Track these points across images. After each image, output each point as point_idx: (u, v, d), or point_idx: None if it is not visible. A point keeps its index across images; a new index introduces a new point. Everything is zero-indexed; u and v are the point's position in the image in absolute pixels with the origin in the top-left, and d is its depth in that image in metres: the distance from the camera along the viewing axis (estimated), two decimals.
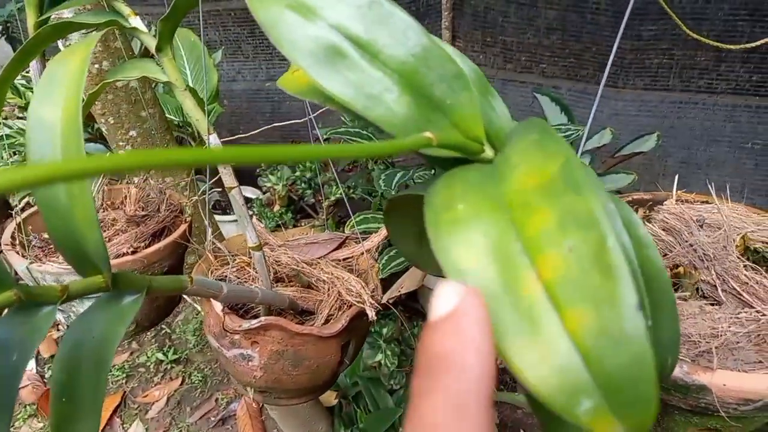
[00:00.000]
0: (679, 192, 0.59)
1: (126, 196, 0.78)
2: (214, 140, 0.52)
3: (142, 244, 0.71)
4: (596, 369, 0.15)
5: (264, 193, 1.73)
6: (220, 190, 1.71)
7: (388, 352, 1.27)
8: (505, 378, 1.56)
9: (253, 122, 2.03)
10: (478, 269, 0.18)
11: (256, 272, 0.66)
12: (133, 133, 0.90)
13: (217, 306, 0.60)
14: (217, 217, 1.67)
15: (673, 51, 1.49)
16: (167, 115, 1.33)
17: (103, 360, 0.36)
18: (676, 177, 0.60)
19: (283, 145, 0.15)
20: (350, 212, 0.93)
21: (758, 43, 0.52)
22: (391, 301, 1.33)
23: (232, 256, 0.68)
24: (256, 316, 0.63)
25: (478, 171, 0.22)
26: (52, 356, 1.57)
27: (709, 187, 0.56)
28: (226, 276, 0.65)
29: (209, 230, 0.66)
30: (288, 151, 0.15)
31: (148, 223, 0.73)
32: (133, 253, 0.69)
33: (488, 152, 0.25)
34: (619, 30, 0.49)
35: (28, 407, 1.45)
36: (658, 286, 0.25)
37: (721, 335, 0.41)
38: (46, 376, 1.54)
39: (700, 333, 0.42)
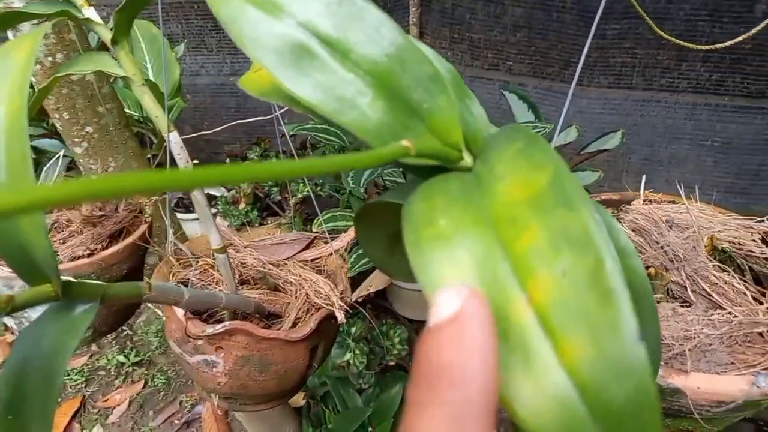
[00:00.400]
0: (646, 192, 0.60)
1: None
2: (174, 138, 0.49)
3: (99, 246, 0.68)
4: (594, 403, 0.14)
5: (229, 190, 1.70)
6: None
7: (357, 352, 1.25)
8: None
9: (218, 117, 1.99)
10: None
11: (220, 275, 0.64)
12: (89, 129, 0.86)
13: (179, 311, 0.57)
14: (180, 216, 1.63)
15: (636, 50, 1.51)
16: (126, 110, 1.29)
17: (53, 374, 0.33)
18: (644, 177, 0.60)
19: (256, 164, 0.14)
20: (318, 210, 0.91)
21: (728, 43, 0.52)
22: (359, 300, 1.31)
23: (195, 257, 0.65)
24: (220, 321, 0.60)
25: (458, 181, 0.21)
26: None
27: (679, 187, 0.56)
28: (188, 279, 0.62)
29: (170, 231, 0.63)
30: (261, 170, 0.13)
31: (105, 223, 0.70)
32: (90, 255, 0.66)
33: (467, 159, 0.23)
34: (591, 28, 0.48)
35: None
36: (640, 294, 0.24)
37: (694, 337, 0.41)
38: None
39: (673, 335, 0.41)
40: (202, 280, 0.62)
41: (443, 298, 0.16)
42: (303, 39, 0.22)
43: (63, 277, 0.52)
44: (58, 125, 0.87)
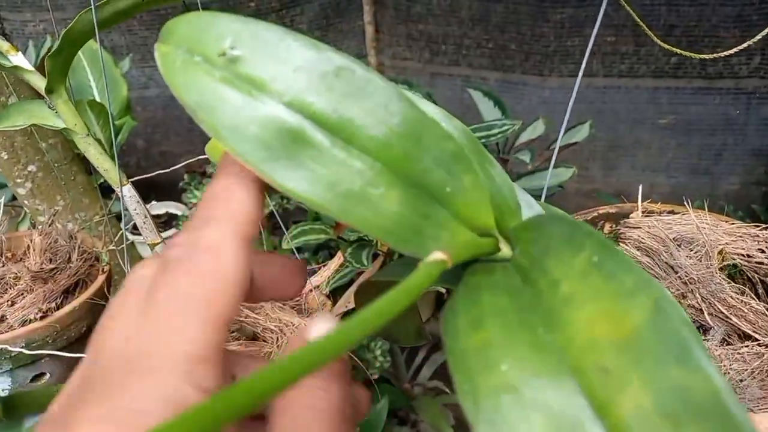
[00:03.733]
0: (644, 203, 0.57)
1: (29, 246, 0.67)
2: (128, 192, 0.44)
3: (53, 305, 0.61)
4: None
5: (190, 209, 1.62)
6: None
7: None
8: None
9: (172, 130, 1.90)
10: None
11: None
12: (32, 168, 0.78)
13: None
14: (139, 240, 1.55)
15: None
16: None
17: None
18: (640, 188, 0.57)
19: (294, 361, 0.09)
20: (283, 227, 0.85)
21: (734, 50, 0.49)
22: (339, 317, 1.27)
23: None
24: None
25: (508, 295, 0.16)
26: None
27: (686, 203, 0.53)
28: None
29: None
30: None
31: (58, 278, 0.63)
32: (43, 317, 0.59)
33: (505, 250, 0.19)
34: (599, 15, 0.45)
35: None
36: None
37: (725, 374, 0.38)
38: None
39: None
40: None
41: None
42: (294, 123, 0.17)
43: (13, 349, 0.46)
44: None
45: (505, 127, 1.22)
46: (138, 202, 0.43)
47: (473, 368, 0.15)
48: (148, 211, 0.44)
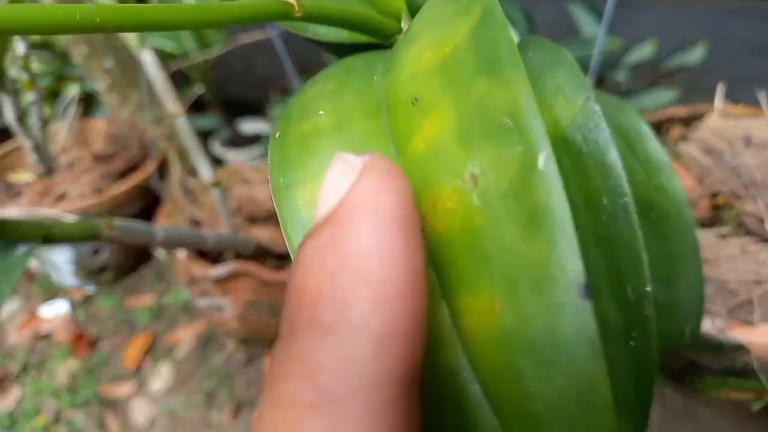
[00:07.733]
0: (723, 105, 0.49)
1: (96, 133, 0.71)
2: (148, 58, 0.43)
3: (110, 184, 0.64)
4: (508, 404, 0.07)
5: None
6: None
7: None
8: None
9: (267, 53, 1.93)
10: None
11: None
12: (109, 64, 0.82)
13: (181, 252, 0.53)
14: (233, 154, 1.60)
15: None
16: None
17: None
18: (719, 87, 0.50)
19: None
20: None
21: None
22: None
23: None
24: None
25: (370, 56, 0.14)
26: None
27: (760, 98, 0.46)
28: (192, 217, 0.58)
29: (177, 167, 0.59)
30: None
31: (114, 161, 0.66)
32: (97, 193, 0.63)
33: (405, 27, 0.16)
34: None
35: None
36: (673, 227, 0.17)
37: (765, 281, 0.32)
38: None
39: (739, 279, 0.33)
40: (208, 217, 0.58)
41: (331, 173, 0.09)
42: None
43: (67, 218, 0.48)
44: (80, 60, 0.84)
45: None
46: (158, 68, 0.43)
47: (293, 116, 0.12)
48: (167, 79, 0.44)
